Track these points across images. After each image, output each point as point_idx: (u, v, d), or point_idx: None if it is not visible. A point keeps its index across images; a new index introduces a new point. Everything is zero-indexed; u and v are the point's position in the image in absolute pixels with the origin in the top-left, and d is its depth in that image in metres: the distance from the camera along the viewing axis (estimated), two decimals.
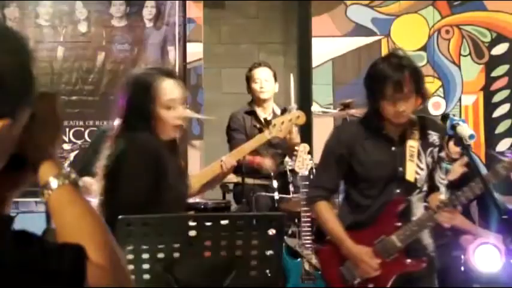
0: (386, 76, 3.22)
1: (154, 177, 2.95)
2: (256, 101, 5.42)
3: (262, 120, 5.28)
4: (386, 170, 3.33)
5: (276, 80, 5.43)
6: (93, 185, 4.02)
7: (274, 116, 5.17)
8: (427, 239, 3.42)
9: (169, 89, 3.04)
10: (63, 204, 1.21)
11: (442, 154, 3.42)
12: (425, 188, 3.39)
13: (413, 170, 3.32)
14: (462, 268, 4.53)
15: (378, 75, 3.28)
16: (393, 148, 3.35)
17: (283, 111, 5.25)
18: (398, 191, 3.33)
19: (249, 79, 5.43)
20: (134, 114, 3.05)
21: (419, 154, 3.34)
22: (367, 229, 3.35)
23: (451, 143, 4.28)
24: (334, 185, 3.51)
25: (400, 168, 3.33)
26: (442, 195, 3.35)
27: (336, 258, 3.40)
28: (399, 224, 3.32)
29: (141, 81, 3.10)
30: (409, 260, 3.33)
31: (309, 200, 3.63)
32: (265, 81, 5.37)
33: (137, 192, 2.94)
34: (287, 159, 5.09)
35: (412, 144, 3.33)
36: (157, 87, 3.02)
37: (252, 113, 5.41)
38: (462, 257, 4.57)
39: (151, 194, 2.88)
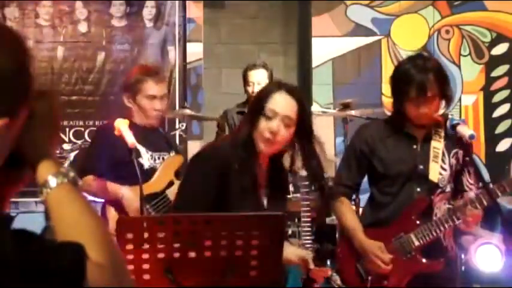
0: (410, 78, 3.21)
1: (205, 192, 2.85)
2: (249, 102, 5.37)
3: None
4: (406, 167, 3.33)
5: (271, 80, 5.31)
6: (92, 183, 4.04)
7: None
8: (448, 241, 3.40)
9: (277, 100, 2.89)
10: (62, 202, 1.20)
11: (470, 158, 3.38)
12: (448, 189, 3.37)
13: (437, 170, 3.30)
14: (463, 268, 4.52)
15: (402, 76, 3.27)
16: (415, 146, 3.35)
17: None
18: (418, 189, 3.33)
19: (244, 79, 5.38)
20: (244, 118, 3.01)
21: (443, 155, 3.33)
22: (387, 227, 3.36)
23: None
24: (354, 183, 3.51)
25: (421, 166, 3.32)
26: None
27: (352, 255, 3.40)
28: (419, 222, 3.31)
29: (262, 89, 3.07)
30: (425, 260, 3.31)
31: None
32: (257, 84, 5.23)
33: (182, 202, 2.94)
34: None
35: (436, 146, 3.32)
36: (271, 96, 2.91)
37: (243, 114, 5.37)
38: (463, 256, 4.57)
39: (195, 208, 2.78)
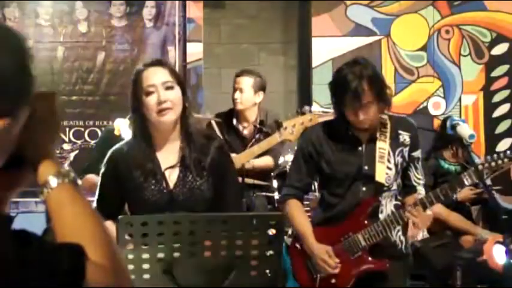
0: (346, 86, 3.27)
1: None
2: (234, 110, 5.14)
3: (241, 130, 5.10)
4: (352, 169, 3.41)
5: (260, 89, 5.07)
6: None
7: (249, 128, 4.97)
8: (397, 236, 3.45)
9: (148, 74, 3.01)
10: (63, 203, 1.20)
11: (416, 154, 3.45)
12: (394, 187, 3.44)
13: (384, 171, 3.37)
14: (480, 268, 4.52)
15: (339, 83, 3.34)
16: (359, 148, 3.43)
17: (276, 122, 4.79)
18: (364, 189, 3.40)
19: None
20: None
21: (388, 154, 3.40)
22: (336, 226, 3.44)
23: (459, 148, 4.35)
24: (304, 184, 3.58)
25: (366, 167, 3.39)
26: (421, 195, 3.39)
27: (303, 253, 3.49)
28: (367, 223, 3.39)
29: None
30: (371, 259, 3.40)
31: (280, 198, 3.71)
32: (239, 91, 5.02)
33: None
34: (287, 158, 5.08)
35: (382, 146, 3.40)
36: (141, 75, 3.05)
37: (230, 123, 5.13)
38: (478, 257, 4.56)
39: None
